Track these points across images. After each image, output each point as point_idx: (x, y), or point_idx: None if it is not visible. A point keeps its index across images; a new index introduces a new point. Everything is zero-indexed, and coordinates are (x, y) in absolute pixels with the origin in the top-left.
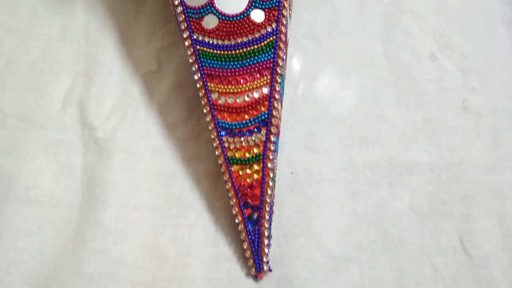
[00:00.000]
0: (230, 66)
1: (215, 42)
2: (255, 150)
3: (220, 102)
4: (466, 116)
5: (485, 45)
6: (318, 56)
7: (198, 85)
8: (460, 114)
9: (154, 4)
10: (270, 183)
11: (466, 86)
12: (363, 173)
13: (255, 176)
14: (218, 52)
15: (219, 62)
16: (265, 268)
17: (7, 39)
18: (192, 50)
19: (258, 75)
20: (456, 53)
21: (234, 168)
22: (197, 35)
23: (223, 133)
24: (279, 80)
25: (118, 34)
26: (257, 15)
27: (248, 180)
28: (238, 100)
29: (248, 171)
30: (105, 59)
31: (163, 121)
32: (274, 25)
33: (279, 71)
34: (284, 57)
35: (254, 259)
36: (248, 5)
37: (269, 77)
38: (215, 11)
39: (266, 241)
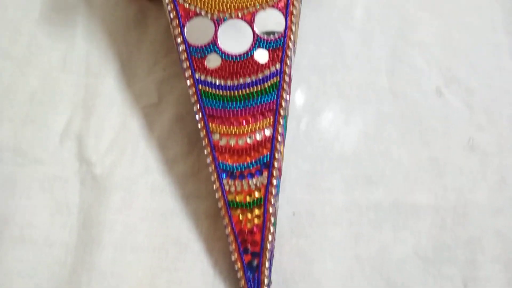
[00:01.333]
0: (233, 107)
1: (217, 82)
2: (257, 194)
3: (221, 143)
4: (472, 155)
5: (492, 80)
6: (322, 89)
7: (199, 126)
8: (466, 154)
9: (156, 33)
10: (271, 229)
11: (472, 123)
12: (366, 215)
13: (256, 221)
14: (221, 92)
15: (221, 103)
16: None
17: (6, 67)
18: (194, 89)
19: (260, 116)
20: (462, 88)
21: (235, 212)
22: (199, 74)
23: (223, 175)
24: (281, 122)
25: (119, 64)
26: (261, 55)
27: (248, 225)
28: (240, 142)
29: (248, 215)
30: (105, 90)
31: (162, 156)
32: (278, 66)
33: (282, 112)
34: (288, 97)
35: None
36: (252, 45)
37: (272, 118)
38: (218, 50)
39: None
